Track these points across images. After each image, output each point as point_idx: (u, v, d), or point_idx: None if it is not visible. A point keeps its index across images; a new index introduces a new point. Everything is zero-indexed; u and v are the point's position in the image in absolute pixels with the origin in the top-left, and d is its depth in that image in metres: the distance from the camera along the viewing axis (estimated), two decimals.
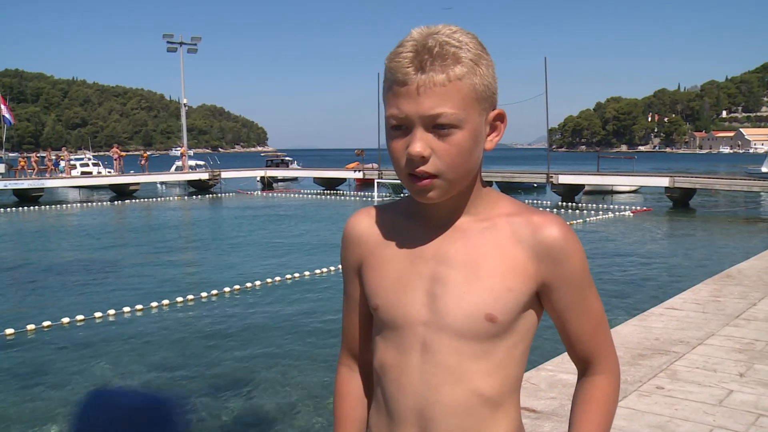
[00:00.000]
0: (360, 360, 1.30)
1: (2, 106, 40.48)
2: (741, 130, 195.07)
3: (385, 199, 31.66)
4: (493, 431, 1.11)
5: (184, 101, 47.75)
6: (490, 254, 1.11)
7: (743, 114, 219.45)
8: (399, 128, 1.07)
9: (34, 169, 35.98)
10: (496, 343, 1.10)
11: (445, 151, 1.04)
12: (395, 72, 1.05)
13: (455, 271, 1.11)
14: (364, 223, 1.24)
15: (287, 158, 54.94)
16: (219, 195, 36.83)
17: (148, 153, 44.73)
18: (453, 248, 1.13)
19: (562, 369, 4.57)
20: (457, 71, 1.03)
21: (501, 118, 1.12)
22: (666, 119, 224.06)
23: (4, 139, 46.60)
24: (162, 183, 42.07)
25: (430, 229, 1.16)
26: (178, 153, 53.48)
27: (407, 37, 1.06)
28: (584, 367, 1.20)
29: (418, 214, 1.18)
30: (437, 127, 1.04)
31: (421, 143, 1.04)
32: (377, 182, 33.19)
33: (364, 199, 32.34)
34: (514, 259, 1.10)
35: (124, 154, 40.90)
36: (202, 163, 47.40)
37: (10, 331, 9.20)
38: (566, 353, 4.23)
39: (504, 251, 1.11)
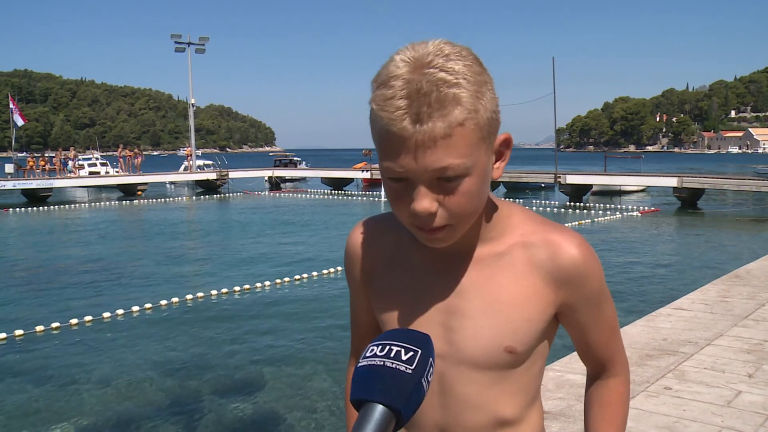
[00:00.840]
0: None
1: (12, 106, 40.66)
2: (750, 130, 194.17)
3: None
4: None
5: (192, 101, 47.83)
6: (506, 284, 1.06)
7: (752, 114, 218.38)
8: (399, 180, 0.97)
9: (44, 170, 36.10)
10: (515, 368, 1.09)
11: (454, 203, 0.96)
12: (388, 125, 0.92)
13: (471, 303, 1.07)
14: (368, 240, 1.19)
15: (296, 158, 55.06)
16: (227, 195, 36.92)
17: (144, 153, 44.78)
18: (468, 279, 1.08)
19: (569, 369, 4.56)
20: (458, 116, 0.91)
21: (506, 144, 1.03)
22: (674, 119, 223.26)
23: (13, 140, 46.92)
24: (171, 183, 42.19)
25: (442, 256, 1.10)
26: (185, 153, 53.63)
27: (393, 70, 0.93)
28: (596, 370, 1.19)
29: None
30: (443, 179, 0.95)
31: (427, 200, 0.95)
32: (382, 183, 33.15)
33: (372, 199, 32.34)
34: (532, 288, 1.06)
35: (132, 153, 41.01)
36: (210, 162, 47.43)
37: (19, 332, 9.25)
38: (574, 354, 4.21)
39: (521, 280, 1.06)
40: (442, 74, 0.91)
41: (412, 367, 0.82)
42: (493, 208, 1.09)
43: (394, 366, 0.81)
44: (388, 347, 0.84)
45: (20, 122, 42.14)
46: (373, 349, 0.84)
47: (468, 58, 0.95)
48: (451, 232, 1.00)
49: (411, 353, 0.83)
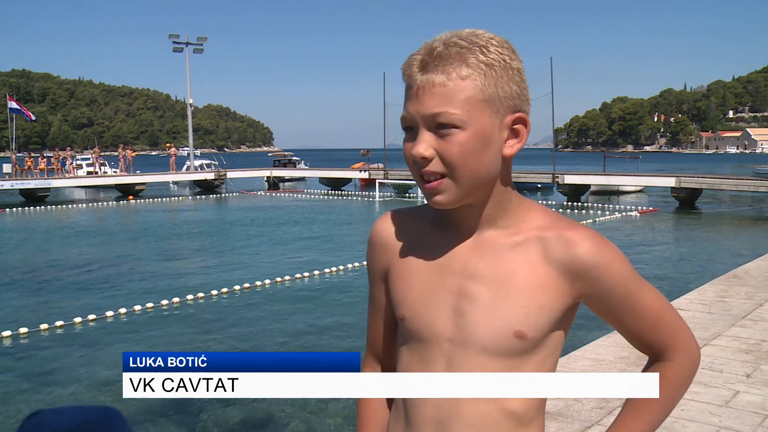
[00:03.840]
0: (383, 364, 1.28)
1: (15, 105, 40.57)
2: (748, 130, 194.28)
3: (386, 199, 31.65)
4: None
5: (190, 101, 47.79)
6: (520, 270, 1.08)
7: (750, 114, 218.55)
8: (409, 130, 1.06)
9: (43, 169, 36.00)
10: (524, 359, 1.08)
11: (447, 152, 1.02)
12: (403, 75, 1.06)
13: (484, 286, 1.09)
14: (391, 229, 1.22)
15: (295, 158, 55.01)
16: (224, 195, 36.88)
17: (142, 152, 44.56)
18: (482, 263, 1.10)
19: (567, 369, 4.56)
20: (461, 72, 1.01)
21: (522, 121, 1.07)
22: (672, 119, 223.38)
23: (13, 140, 46.85)
24: (174, 183, 42.05)
25: (458, 240, 1.13)
26: (185, 153, 53.47)
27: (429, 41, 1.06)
28: (652, 357, 1.18)
29: (445, 224, 1.15)
30: (439, 127, 1.02)
31: (423, 144, 1.03)
32: (378, 182, 33.13)
33: (368, 199, 32.33)
34: (546, 277, 1.07)
35: (134, 154, 40.94)
36: (208, 162, 47.25)
37: (23, 330, 9.26)
38: (572, 354, 4.21)
39: (535, 268, 1.07)
40: (459, 41, 1.02)
41: None
42: (514, 200, 1.13)
43: None
44: None
45: (31, 117, 42.45)
46: None
47: (501, 44, 1.04)
48: (449, 187, 1.05)
49: None
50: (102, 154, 44.27)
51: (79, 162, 40.28)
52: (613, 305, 1.10)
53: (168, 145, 45.39)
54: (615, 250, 1.09)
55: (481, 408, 1.08)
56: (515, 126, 1.07)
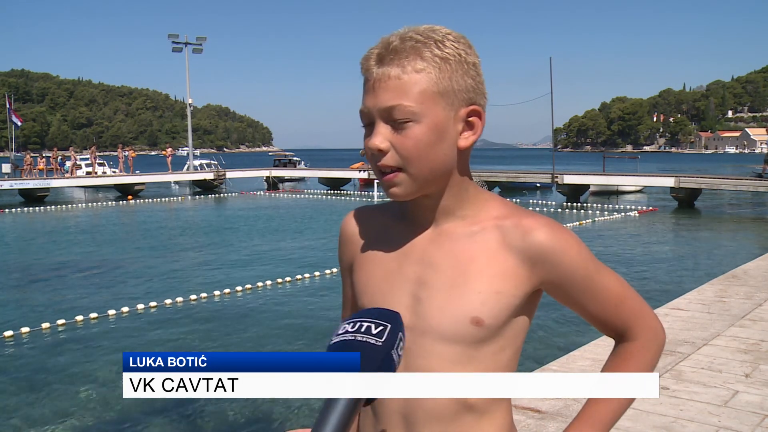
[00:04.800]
0: None
1: (8, 107, 40.57)
2: (747, 130, 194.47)
3: (385, 199, 31.62)
4: None
5: (190, 101, 47.77)
6: (478, 258, 1.09)
7: (749, 114, 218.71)
8: (368, 125, 1.07)
9: (42, 169, 35.98)
10: (481, 347, 1.08)
11: (402, 144, 1.04)
12: (361, 68, 1.08)
13: (441, 274, 1.10)
14: (356, 224, 1.25)
15: (295, 158, 55.02)
16: (224, 195, 36.88)
17: (141, 152, 44.49)
18: (440, 252, 1.12)
19: (567, 369, 4.57)
20: (416, 65, 1.02)
21: (477, 114, 1.08)
22: (671, 119, 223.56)
23: (12, 140, 46.82)
24: (176, 183, 41.99)
25: (418, 231, 1.15)
26: (185, 153, 53.42)
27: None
28: (618, 338, 1.19)
29: (406, 216, 1.17)
30: (395, 120, 1.03)
31: (379, 137, 1.04)
32: (377, 182, 33.11)
33: (366, 199, 32.34)
34: (504, 264, 1.08)
35: (135, 153, 40.95)
36: (208, 161, 47.16)
37: (25, 329, 9.28)
38: (571, 354, 4.21)
39: (493, 255, 1.08)
40: (415, 35, 1.04)
41: (382, 340, 0.87)
42: (472, 191, 1.14)
43: (364, 339, 0.87)
44: (358, 323, 0.89)
45: (18, 122, 42.13)
46: (344, 327, 0.90)
47: (457, 39, 1.06)
48: (405, 180, 1.06)
49: (380, 327, 0.88)
50: (101, 154, 44.18)
51: (78, 162, 40.26)
52: (574, 290, 1.10)
53: (166, 146, 45.29)
54: (572, 236, 1.10)
55: (440, 399, 1.08)
56: (470, 118, 1.08)
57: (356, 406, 0.84)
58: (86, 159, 43.20)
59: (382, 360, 0.85)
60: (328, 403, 0.83)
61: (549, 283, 1.10)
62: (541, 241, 1.07)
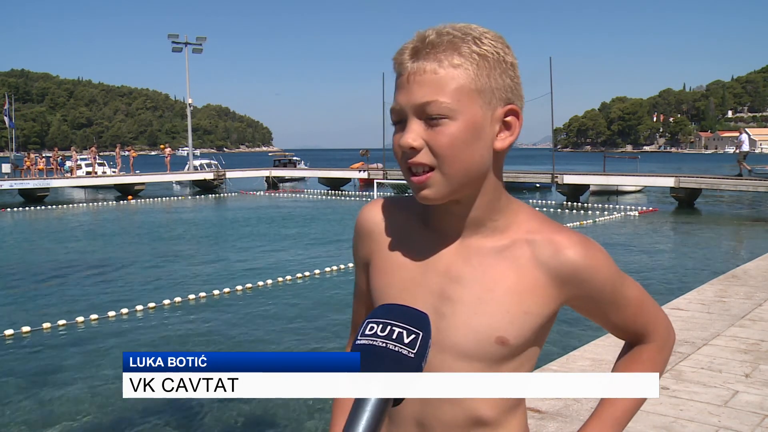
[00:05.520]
0: None
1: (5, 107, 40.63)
2: (747, 130, 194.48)
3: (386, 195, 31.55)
4: None
5: (189, 101, 47.76)
6: (507, 275, 1.05)
7: (749, 114, 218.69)
8: (399, 122, 1.03)
9: (42, 169, 35.97)
10: (501, 365, 1.06)
11: (436, 142, 0.99)
12: (395, 64, 1.03)
13: (467, 290, 1.06)
14: (378, 218, 1.18)
15: (295, 158, 55.03)
16: (223, 195, 36.89)
17: (141, 152, 44.44)
18: (467, 266, 1.07)
19: (567, 369, 4.57)
20: (453, 60, 0.99)
21: (514, 114, 1.04)
22: (671, 119, 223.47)
23: (13, 140, 46.85)
24: (177, 182, 41.97)
25: (444, 241, 1.10)
26: (185, 153, 53.37)
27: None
28: (633, 342, 1.21)
29: (432, 222, 1.12)
30: (429, 117, 0.99)
31: (412, 134, 1.00)
32: (377, 182, 33.03)
33: (366, 200, 32.29)
34: (534, 282, 1.05)
35: (135, 153, 40.98)
36: (208, 161, 47.10)
37: (26, 329, 9.29)
38: (572, 354, 4.20)
39: (523, 273, 1.05)
40: (452, 31, 1.01)
41: (414, 351, 0.83)
42: (504, 200, 1.10)
43: (396, 349, 0.83)
44: (389, 328, 0.85)
45: (8, 125, 42.39)
46: (373, 327, 0.85)
47: (496, 38, 1.03)
48: (438, 181, 1.01)
49: (413, 336, 0.84)
50: (101, 153, 44.18)
51: (78, 162, 40.27)
52: (601, 303, 1.10)
53: (162, 146, 45.27)
54: (603, 252, 1.08)
55: (457, 413, 1.07)
56: (507, 118, 1.04)
57: (386, 407, 0.82)
58: (86, 159, 43.22)
59: (413, 371, 0.83)
60: (358, 404, 0.81)
61: (577, 299, 1.09)
62: (573, 259, 1.05)
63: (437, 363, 1.05)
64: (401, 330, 0.84)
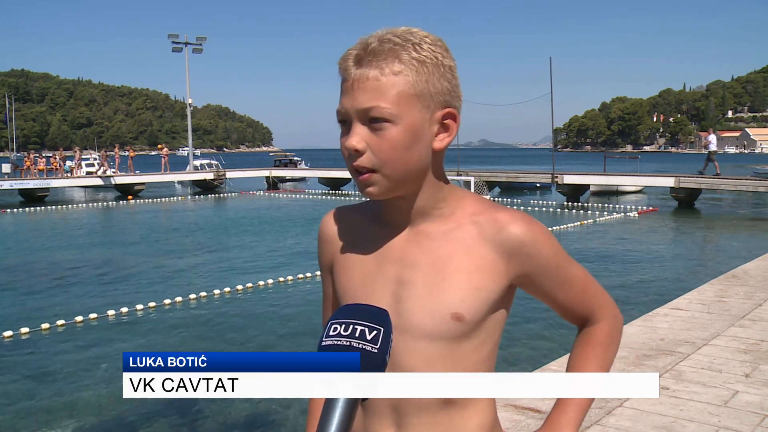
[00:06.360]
0: None
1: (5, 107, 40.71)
2: (747, 130, 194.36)
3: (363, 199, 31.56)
4: (464, 426, 1.13)
5: (189, 101, 47.78)
6: (456, 255, 1.11)
7: (749, 114, 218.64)
8: (344, 123, 1.09)
9: (41, 169, 35.98)
10: (462, 343, 1.10)
11: (378, 146, 1.06)
12: (339, 68, 1.09)
13: (420, 272, 1.12)
14: (335, 224, 1.26)
15: (296, 158, 55.04)
16: (223, 195, 36.89)
17: (141, 152, 44.45)
18: (418, 251, 1.13)
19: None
20: (394, 67, 1.04)
21: (452, 117, 1.10)
22: (671, 119, 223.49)
23: (10, 139, 46.88)
24: (179, 182, 41.95)
25: (394, 231, 1.17)
26: (185, 153, 53.36)
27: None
28: (582, 324, 1.24)
29: (383, 217, 1.19)
30: (371, 121, 1.05)
31: (356, 137, 1.06)
32: None
33: (365, 199, 32.25)
34: (482, 259, 1.10)
35: (133, 153, 40.97)
36: (208, 162, 47.04)
37: (25, 329, 9.28)
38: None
39: (471, 251, 1.11)
40: (393, 37, 1.06)
41: (377, 346, 0.89)
42: (447, 190, 1.16)
43: (360, 345, 0.88)
44: (352, 326, 0.90)
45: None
46: (336, 328, 0.91)
47: (435, 42, 1.08)
48: (380, 181, 1.08)
49: (375, 332, 0.90)
50: (100, 153, 44.14)
51: (79, 162, 40.26)
52: (547, 281, 1.15)
53: (159, 146, 45.27)
54: (545, 229, 1.14)
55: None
56: (445, 120, 1.10)
57: (356, 405, 0.86)
58: (87, 159, 43.22)
59: (378, 366, 0.87)
60: (329, 404, 0.84)
61: (524, 275, 1.13)
62: (516, 234, 1.10)
63: (400, 345, 1.09)
64: (363, 328, 0.90)
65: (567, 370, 1.23)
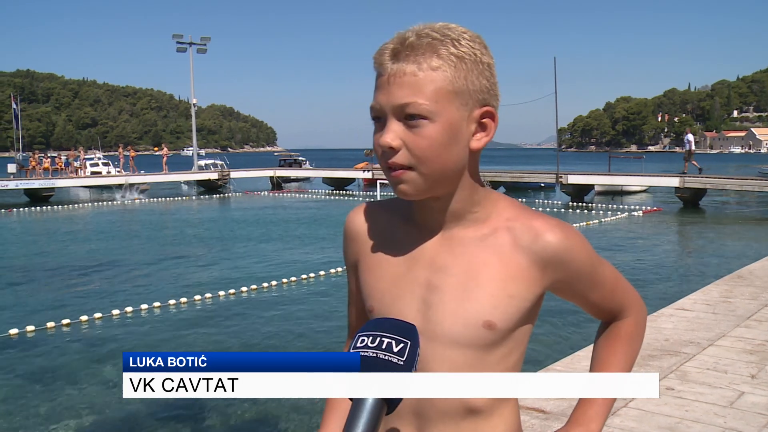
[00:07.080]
0: None
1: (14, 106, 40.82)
2: (752, 129, 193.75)
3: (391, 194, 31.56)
4: None
5: (194, 101, 47.86)
6: (490, 262, 1.08)
7: (755, 114, 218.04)
8: (378, 120, 1.06)
9: (46, 169, 36.06)
10: (491, 351, 1.08)
11: (415, 143, 1.02)
12: (375, 63, 1.05)
13: (453, 278, 1.09)
14: (362, 221, 1.22)
15: (300, 158, 55.13)
16: (228, 195, 36.93)
17: (146, 152, 44.47)
18: (451, 256, 1.11)
19: (571, 369, 4.55)
20: (432, 63, 1.01)
21: (490, 116, 1.07)
22: (676, 119, 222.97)
23: (16, 139, 47.01)
24: (185, 182, 41.98)
25: (426, 234, 1.13)
26: (189, 153, 53.42)
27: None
28: (609, 320, 1.25)
29: (415, 218, 1.15)
30: (408, 117, 1.02)
31: (391, 134, 1.02)
32: (380, 182, 32.99)
33: (371, 199, 32.27)
34: (516, 267, 1.08)
35: (135, 153, 41.04)
36: (213, 162, 47.04)
37: (30, 328, 9.32)
38: (576, 354, 4.18)
39: (506, 259, 1.08)
40: (431, 32, 1.03)
41: (404, 359, 0.90)
42: (482, 193, 1.13)
43: (386, 358, 0.89)
44: (379, 339, 0.91)
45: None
46: (364, 340, 0.92)
47: (473, 38, 1.04)
48: (415, 179, 1.04)
49: (401, 345, 0.91)
50: (105, 153, 44.24)
51: (84, 161, 40.34)
52: (580, 284, 1.14)
53: (155, 148, 45.38)
54: (579, 234, 1.13)
55: (452, 402, 1.09)
56: (483, 120, 1.07)
57: (383, 409, 0.87)
58: (91, 158, 43.31)
59: None
60: (356, 406, 0.87)
61: (558, 281, 1.12)
62: (552, 242, 1.08)
63: (428, 352, 1.07)
64: (390, 340, 0.91)
65: (592, 363, 1.24)
